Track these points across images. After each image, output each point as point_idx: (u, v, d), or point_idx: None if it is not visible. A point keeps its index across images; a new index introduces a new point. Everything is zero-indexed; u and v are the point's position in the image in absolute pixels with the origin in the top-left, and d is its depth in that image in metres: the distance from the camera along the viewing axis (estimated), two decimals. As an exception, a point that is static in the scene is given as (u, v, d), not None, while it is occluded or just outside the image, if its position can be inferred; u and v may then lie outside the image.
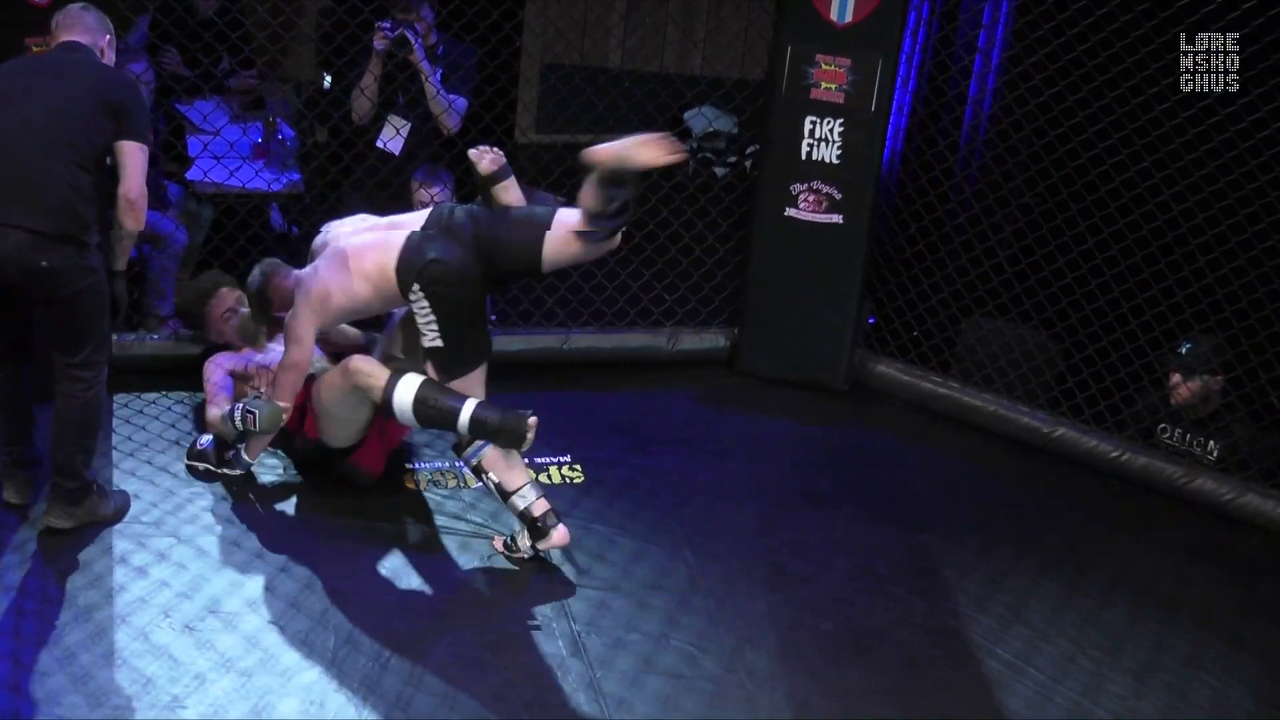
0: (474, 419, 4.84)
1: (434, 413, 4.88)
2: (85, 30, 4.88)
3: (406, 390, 4.88)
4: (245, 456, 5.20)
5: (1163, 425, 5.94)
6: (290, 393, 5.13)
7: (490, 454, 4.94)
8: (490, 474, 4.95)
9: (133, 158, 4.73)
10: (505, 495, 4.94)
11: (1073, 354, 6.20)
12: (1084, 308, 6.07)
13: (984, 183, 6.55)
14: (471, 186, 6.52)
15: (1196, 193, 5.78)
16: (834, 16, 5.99)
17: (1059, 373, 6.33)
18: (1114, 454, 5.94)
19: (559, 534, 4.92)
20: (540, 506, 4.91)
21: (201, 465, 5.21)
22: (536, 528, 4.92)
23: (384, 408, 4.95)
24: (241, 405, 5.10)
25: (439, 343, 4.90)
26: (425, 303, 4.85)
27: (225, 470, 5.20)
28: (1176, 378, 5.80)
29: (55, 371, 4.80)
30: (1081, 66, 5.89)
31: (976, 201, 6.50)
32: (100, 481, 5.02)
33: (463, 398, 4.88)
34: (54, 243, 4.56)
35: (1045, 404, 6.21)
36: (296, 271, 5.29)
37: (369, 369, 4.97)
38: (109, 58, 4.94)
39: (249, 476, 5.26)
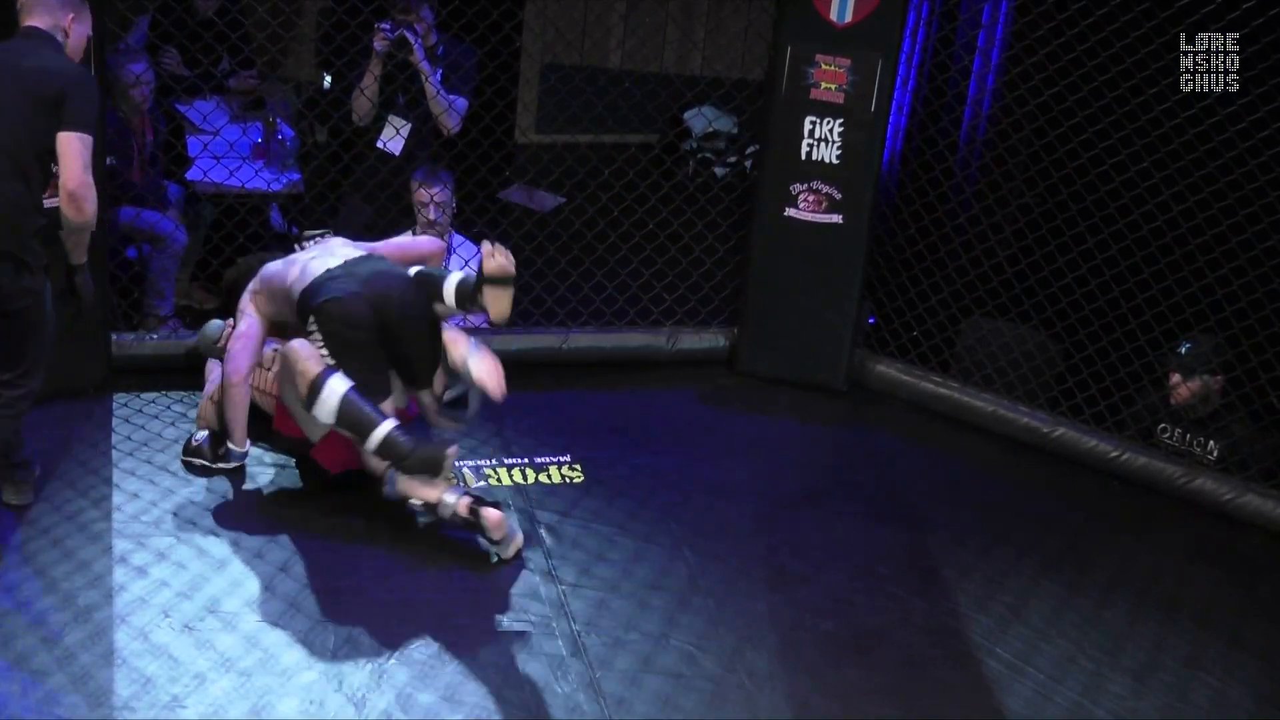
0: (386, 439, 4.85)
1: (356, 416, 4.87)
2: (46, 11, 4.71)
3: (341, 384, 4.89)
4: (233, 446, 5.24)
5: (1163, 425, 5.94)
6: (240, 361, 5.15)
7: (403, 479, 4.97)
8: (413, 499, 4.98)
9: (70, 147, 4.55)
10: (433, 509, 4.96)
11: (1072, 354, 6.19)
12: (1084, 308, 6.07)
13: (984, 183, 6.54)
14: (471, 186, 6.55)
15: (1196, 193, 5.77)
16: (834, 16, 5.99)
17: (1059, 373, 6.32)
18: (1114, 454, 5.93)
19: (491, 518, 4.89)
20: (464, 505, 4.91)
21: (197, 461, 5.29)
22: (474, 524, 4.91)
23: (309, 393, 4.91)
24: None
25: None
26: (319, 335, 4.96)
27: (220, 465, 5.26)
28: (1176, 378, 5.80)
29: None
30: (1081, 66, 5.88)
31: (976, 201, 6.50)
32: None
33: (385, 417, 4.90)
34: None
35: (1045, 404, 6.21)
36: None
37: (305, 353, 4.98)
38: (75, 34, 4.75)
39: (246, 476, 5.26)
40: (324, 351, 4.94)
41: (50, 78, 4.57)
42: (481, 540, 4.96)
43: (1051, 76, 6.03)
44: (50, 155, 4.58)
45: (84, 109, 4.60)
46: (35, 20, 4.71)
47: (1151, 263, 5.89)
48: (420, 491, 4.96)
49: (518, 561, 4.96)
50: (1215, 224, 5.75)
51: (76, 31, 4.77)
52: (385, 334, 5.01)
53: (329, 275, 5.03)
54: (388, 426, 4.85)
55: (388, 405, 5.05)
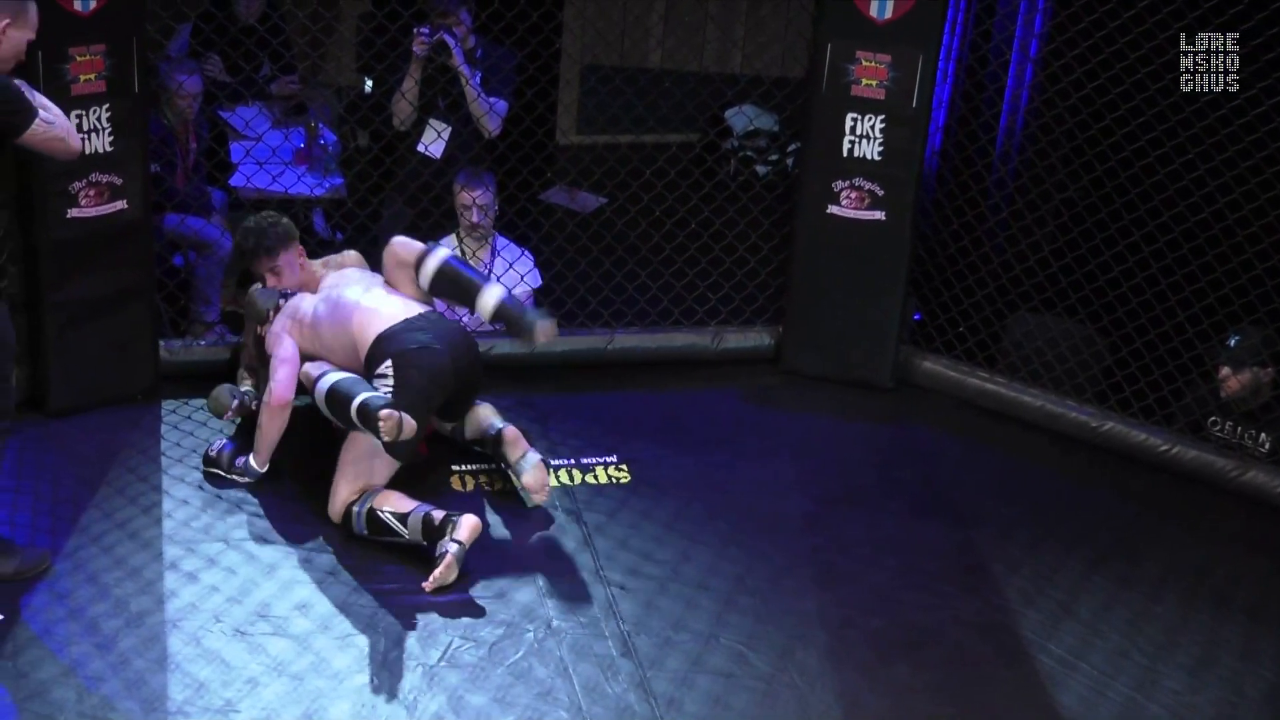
0: (360, 405, 4.88)
1: (339, 398, 4.97)
2: None
3: (329, 378, 5.04)
4: (254, 465, 5.26)
5: (1213, 418, 5.90)
6: (284, 388, 5.18)
7: (376, 498, 5.01)
8: (384, 509, 4.97)
9: (38, 140, 4.44)
10: (404, 519, 4.94)
11: (1120, 347, 6.15)
12: (1131, 301, 6.03)
13: (1027, 176, 6.51)
14: (513, 189, 6.56)
15: (1243, 184, 5.73)
16: (874, 13, 5.97)
17: (1107, 366, 6.29)
18: (1164, 447, 5.89)
19: (467, 527, 4.86)
20: (437, 515, 4.90)
21: (214, 470, 5.32)
22: (445, 531, 4.87)
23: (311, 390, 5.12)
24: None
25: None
26: (391, 379, 4.99)
27: (235, 476, 5.28)
28: (1226, 370, 5.76)
29: None
30: (1124, 59, 5.85)
31: (1020, 195, 6.46)
32: (6, 540, 4.75)
33: (361, 390, 4.97)
34: None
35: (1093, 398, 6.17)
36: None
37: (308, 371, 5.19)
38: (10, 40, 4.41)
39: (278, 479, 5.30)
40: (388, 392, 4.98)
41: None
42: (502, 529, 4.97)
43: (1093, 69, 5.99)
44: None
45: (12, 106, 4.39)
46: None
47: (1199, 254, 5.85)
48: (396, 504, 4.98)
49: (566, 562, 4.97)
50: (1263, 215, 5.71)
51: (12, 38, 4.44)
52: (453, 389, 5.15)
53: (408, 325, 5.11)
54: (364, 394, 4.91)
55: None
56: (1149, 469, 5.90)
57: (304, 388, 5.23)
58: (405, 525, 4.93)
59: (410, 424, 4.81)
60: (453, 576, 4.82)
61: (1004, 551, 5.24)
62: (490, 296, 5.22)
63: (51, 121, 4.49)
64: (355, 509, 5.01)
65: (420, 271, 5.29)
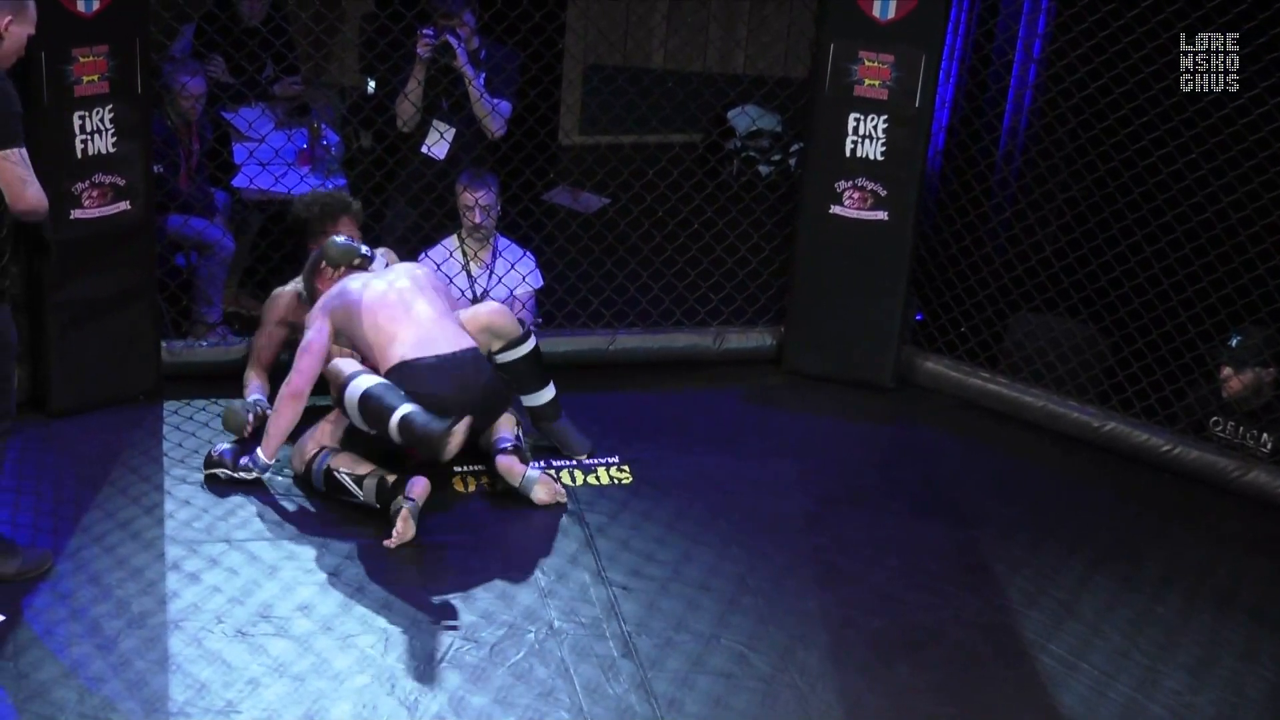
0: (403, 420, 4.93)
1: (373, 406, 5.01)
2: None
3: (362, 383, 5.06)
4: (261, 457, 5.25)
5: (1215, 418, 5.90)
6: (302, 379, 5.21)
7: (335, 457, 5.13)
8: (340, 469, 5.10)
9: (3, 173, 4.32)
10: (359, 480, 5.07)
11: (1122, 347, 6.14)
12: (1133, 301, 6.02)
13: (1029, 177, 6.51)
14: (516, 189, 6.56)
15: (1246, 183, 5.73)
16: (877, 13, 5.97)
17: (1108, 366, 6.28)
18: (1166, 448, 5.89)
19: (419, 485, 5.02)
20: (390, 478, 5.04)
21: (220, 473, 5.29)
22: (397, 492, 4.99)
23: (338, 396, 5.16)
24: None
25: (371, 433, 5.10)
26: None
27: (241, 474, 5.27)
28: (1228, 370, 5.76)
29: None
30: (1126, 58, 5.84)
31: (1023, 195, 6.46)
32: (7, 540, 4.74)
33: (401, 402, 4.99)
34: None
35: (1095, 398, 6.17)
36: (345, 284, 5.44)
37: (338, 367, 5.22)
38: (12, 37, 4.40)
39: (281, 480, 5.30)
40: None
41: None
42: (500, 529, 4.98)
43: (1096, 69, 5.99)
44: None
45: (3, 123, 4.34)
46: None
47: (1201, 254, 5.85)
48: (353, 466, 5.11)
49: (567, 563, 4.97)
50: (1265, 214, 5.71)
51: (14, 34, 4.43)
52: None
53: (438, 365, 5.14)
54: (404, 409, 4.94)
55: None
56: (1151, 469, 5.89)
57: (323, 383, 5.27)
58: (360, 487, 5.07)
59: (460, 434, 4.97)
60: (411, 533, 4.95)
61: (1005, 551, 5.24)
62: (540, 397, 5.50)
63: (26, 164, 4.38)
64: (314, 466, 5.14)
65: (505, 350, 5.42)
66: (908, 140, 6.07)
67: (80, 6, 5.19)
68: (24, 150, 4.37)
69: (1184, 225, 5.87)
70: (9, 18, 4.41)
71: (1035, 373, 6.25)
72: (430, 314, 5.29)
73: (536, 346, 5.48)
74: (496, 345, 5.41)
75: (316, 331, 5.28)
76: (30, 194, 4.38)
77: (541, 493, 5.26)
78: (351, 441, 5.21)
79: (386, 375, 5.13)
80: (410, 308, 5.27)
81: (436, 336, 5.22)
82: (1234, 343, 5.72)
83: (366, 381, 5.06)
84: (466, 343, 5.27)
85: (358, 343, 5.29)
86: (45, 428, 5.49)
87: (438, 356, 5.16)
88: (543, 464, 5.45)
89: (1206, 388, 5.93)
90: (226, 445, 5.34)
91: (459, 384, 5.13)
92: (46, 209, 4.49)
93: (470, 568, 4.90)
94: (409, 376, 5.10)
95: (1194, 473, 5.82)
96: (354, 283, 5.37)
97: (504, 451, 5.29)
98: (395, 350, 5.17)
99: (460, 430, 4.97)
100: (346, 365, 5.19)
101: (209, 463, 5.31)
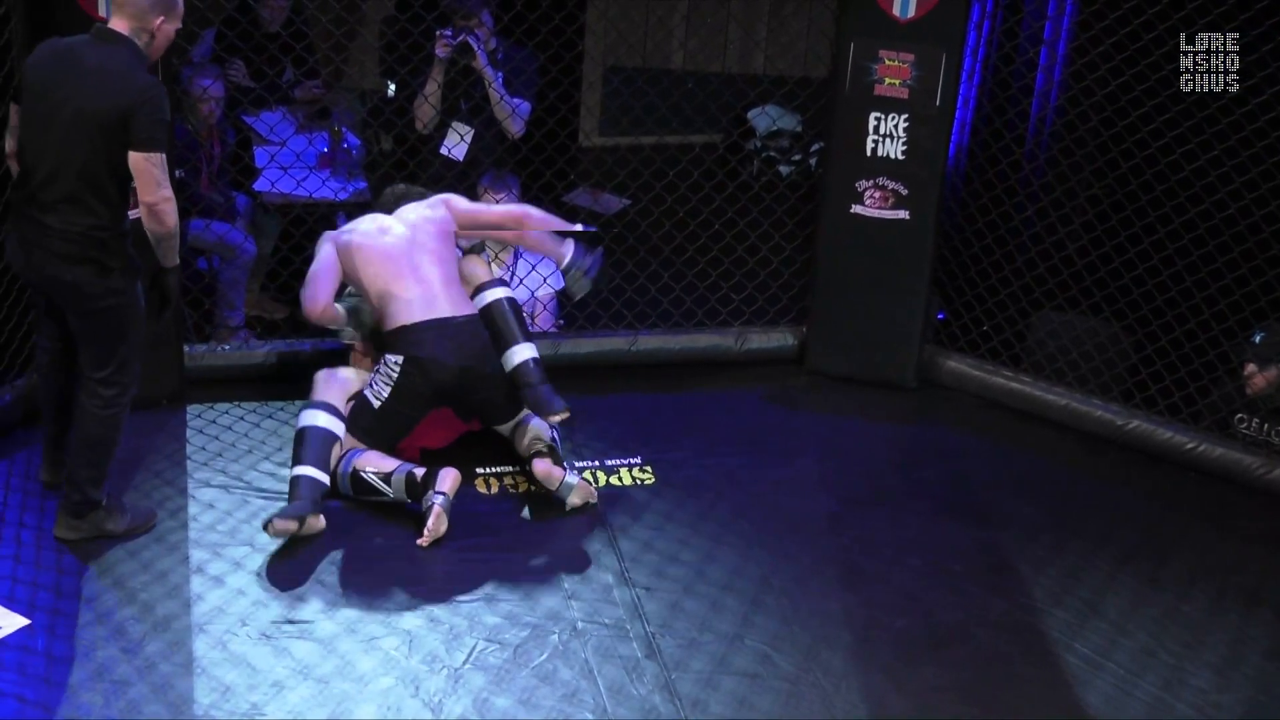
0: (292, 479, 5.10)
1: (298, 449, 5.17)
2: (134, 14, 4.60)
3: (313, 419, 5.21)
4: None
5: (1239, 415, 5.88)
6: (315, 302, 5.38)
7: (359, 458, 5.18)
8: (367, 469, 5.15)
9: (140, 168, 4.55)
10: (386, 478, 5.12)
11: (1145, 345, 6.13)
12: (1156, 298, 6.00)
13: (1052, 175, 6.49)
14: (536, 191, 6.56)
15: (1269, 179, 5.71)
16: (897, 12, 5.96)
17: (1132, 365, 6.26)
18: (1190, 445, 5.87)
19: (449, 478, 5.06)
20: (419, 472, 5.09)
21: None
22: (427, 486, 5.05)
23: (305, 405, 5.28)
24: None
25: (374, 405, 5.23)
26: (392, 373, 5.21)
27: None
28: (1251, 367, 5.74)
29: (80, 382, 4.82)
30: (1148, 55, 5.83)
31: (1045, 194, 6.44)
32: (116, 498, 5.00)
33: (305, 465, 5.10)
34: (73, 261, 4.58)
35: (1119, 396, 6.15)
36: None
37: (327, 382, 5.36)
38: (162, 35, 4.65)
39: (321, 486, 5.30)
40: (386, 389, 5.21)
41: (113, 98, 4.50)
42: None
43: (1118, 66, 5.97)
44: (123, 170, 4.57)
45: (152, 127, 4.55)
46: (117, 22, 4.62)
47: (1224, 251, 5.83)
48: (378, 463, 5.16)
49: (590, 564, 4.98)
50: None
51: (165, 32, 4.68)
52: (460, 394, 5.32)
53: (440, 328, 5.23)
54: (296, 471, 5.08)
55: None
56: (1175, 467, 5.88)
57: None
58: (389, 484, 5.11)
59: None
60: (444, 528, 4.99)
61: (1029, 551, 5.23)
62: (515, 355, 5.43)
63: (164, 170, 4.63)
64: (340, 470, 5.16)
65: (474, 298, 5.49)
66: (929, 139, 6.06)
67: (102, 12, 5.20)
68: (164, 157, 4.61)
69: (1206, 222, 5.85)
70: (160, 17, 4.65)
71: (1058, 371, 6.24)
72: (435, 274, 5.37)
73: (511, 299, 5.55)
74: (469, 291, 5.51)
75: (325, 257, 5.42)
76: (162, 194, 4.58)
77: (576, 498, 5.28)
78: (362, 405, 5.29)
79: (387, 336, 5.26)
80: (417, 265, 5.35)
81: (438, 298, 5.31)
82: (1258, 339, 5.70)
83: (310, 418, 5.19)
84: (468, 309, 5.37)
85: (360, 286, 5.39)
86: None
87: (438, 320, 5.25)
88: (566, 465, 5.45)
89: (1230, 385, 5.90)
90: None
91: (456, 346, 5.22)
92: (173, 219, 4.65)
93: (493, 569, 4.91)
94: (410, 340, 5.21)
95: (1219, 470, 5.80)
96: (366, 222, 5.50)
97: (540, 455, 5.31)
98: (397, 310, 5.27)
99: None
100: (322, 386, 5.32)
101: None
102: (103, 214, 4.60)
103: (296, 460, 5.10)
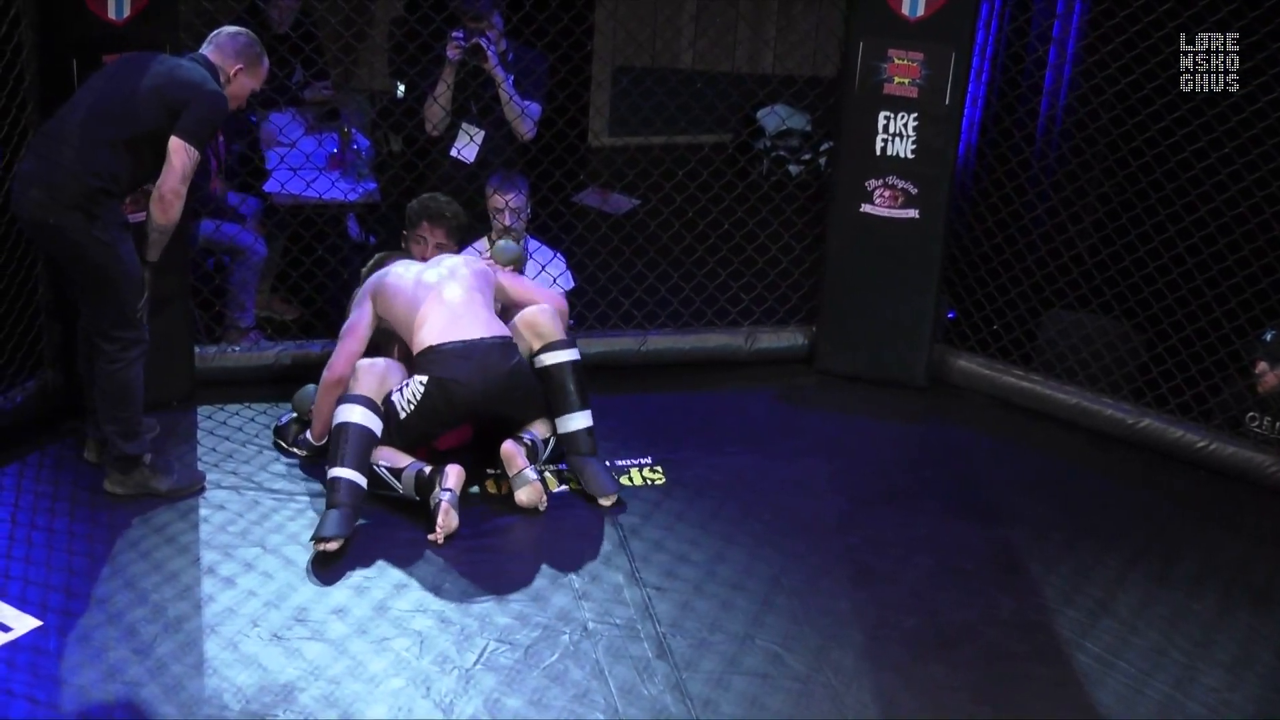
0: (329, 480, 5.10)
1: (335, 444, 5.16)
2: (218, 53, 5.03)
3: (352, 414, 5.18)
4: (309, 438, 5.47)
5: (1250, 414, 5.87)
6: (340, 360, 5.37)
7: (376, 450, 5.20)
8: (380, 463, 5.17)
9: (176, 154, 4.83)
10: (398, 474, 5.14)
11: (1156, 344, 6.12)
12: (1166, 297, 5.99)
13: (1062, 174, 6.48)
14: (546, 191, 6.57)
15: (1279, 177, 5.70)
16: (906, 11, 5.96)
17: (1142, 363, 6.25)
18: (1201, 444, 5.86)
19: (453, 474, 5.10)
20: (427, 469, 5.12)
21: (281, 442, 5.57)
22: (434, 483, 5.08)
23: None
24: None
25: (400, 415, 5.24)
26: (417, 394, 5.22)
27: (296, 450, 5.51)
28: (1262, 365, 5.73)
29: (95, 349, 5.02)
30: (1158, 53, 5.82)
31: (1055, 193, 6.44)
32: (163, 457, 5.24)
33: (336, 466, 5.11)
34: (62, 206, 4.74)
35: (1129, 395, 6.14)
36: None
37: (368, 373, 5.32)
38: (238, 84, 5.06)
39: (315, 482, 5.33)
40: (409, 406, 5.21)
41: (182, 86, 4.85)
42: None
43: (1128, 65, 5.96)
44: (151, 146, 4.81)
45: (201, 121, 4.87)
46: (207, 52, 5.04)
47: (1235, 249, 5.82)
48: (392, 458, 5.18)
49: (601, 564, 4.98)
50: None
51: (241, 83, 5.08)
52: (485, 412, 5.37)
53: (466, 350, 5.24)
54: (336, 472, 5.07)
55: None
56: (1186, 466, 5.87)
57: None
58: (400, 480, 5.14)
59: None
60: (454, 524, 5.03)
61: (1040, 550, 5.23)
62: (571, 422, 5.43)
63: (194, 165, 4.90)
64: None
65: (543, 353, 5.46)
66: (938, 138, 6.06)
67: (111, 14, 5.22)
68: (198, 158, 4.91)
69: (1217, 220, 5.84)
70: (239, 65, 5.06)
71: (1068, 370, 6.23)
72: (461, 299, 5.38)
73: (577, 363, 5.48)
74: (537, 345, 5.46)
75: (359, 313, 5.46)
76: (179, 187, 4.86)
77: (524, 495, 5.25)
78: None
79: (417, 358, 5.28)
80: (442, 293, 5.39)
81: (464, 320, 5.31)
82: (1269, 337, 5.70)
83: (348, 414, 5.18)
84: (498, 330, 5.36)
85: (394, 323, 5.43)
86: (81, 433, 5.50)
87: (464, 342, 5.25)
88: (532, 464, 5.44)
89: (1241, 383, 5.89)
90: (287, 415, 5.58)
91: (481, 368, 5.23)
92: (176, 215, 4.93)
93: (504, 570, 4.91)
94: (434, 361, 5.23)
95: (1230, 469, 5.80)
96: (399, 267, 5.54)
97: (516, 440, 5.31)
98: (423, 334, 5.30)
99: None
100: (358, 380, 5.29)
101: (277, 430, 5.58)
102: (119, 170, 4.81)
103: (336, 459, 5.08)
